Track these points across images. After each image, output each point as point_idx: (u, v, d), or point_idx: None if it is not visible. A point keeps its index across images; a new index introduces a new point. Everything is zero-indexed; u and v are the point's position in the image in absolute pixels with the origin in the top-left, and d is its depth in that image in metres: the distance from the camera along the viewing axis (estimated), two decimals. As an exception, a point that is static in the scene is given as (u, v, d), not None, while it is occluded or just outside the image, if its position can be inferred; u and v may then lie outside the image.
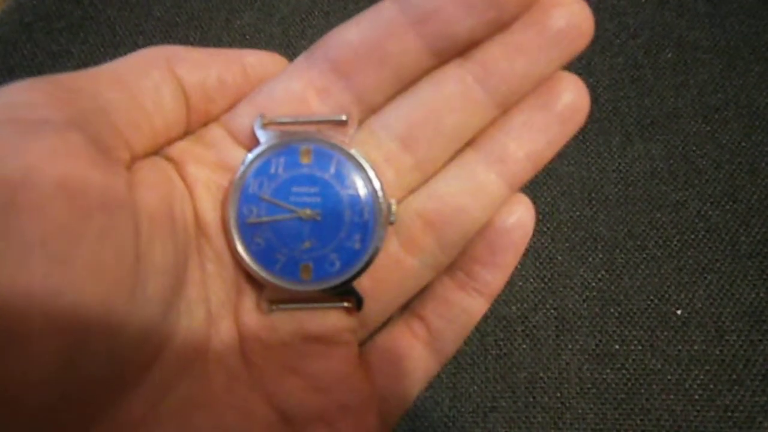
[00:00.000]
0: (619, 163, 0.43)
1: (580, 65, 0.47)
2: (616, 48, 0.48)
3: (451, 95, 0.22)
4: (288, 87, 0.22)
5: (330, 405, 0.22)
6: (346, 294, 0.22)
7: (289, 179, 0.22)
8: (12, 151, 0.16)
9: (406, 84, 0.22)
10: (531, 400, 0.36)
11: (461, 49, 0.22)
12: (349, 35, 0.22)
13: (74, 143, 0.17)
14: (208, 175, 0.22)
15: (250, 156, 0.22)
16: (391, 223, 0.22)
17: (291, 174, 0.22)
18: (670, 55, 0.47)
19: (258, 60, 0.23)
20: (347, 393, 0.23)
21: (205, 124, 0.22)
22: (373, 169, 0.22)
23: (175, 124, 0.21)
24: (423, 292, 0.25)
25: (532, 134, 0.23)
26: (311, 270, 0.22)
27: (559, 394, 0.36)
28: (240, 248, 0.22)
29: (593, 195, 0.42)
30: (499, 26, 0.21)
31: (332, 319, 0.23)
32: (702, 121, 0.44)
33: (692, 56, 0.47)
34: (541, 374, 0.37)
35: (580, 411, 0.36)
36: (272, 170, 0.22)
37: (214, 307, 0.22)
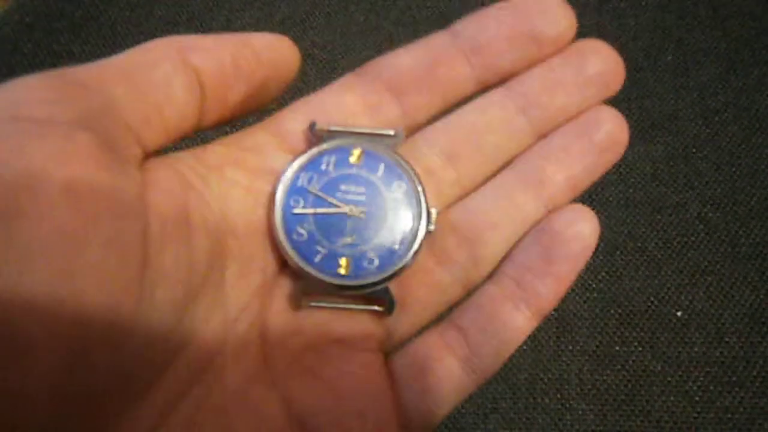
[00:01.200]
0: (620, 165, 0.43)
1: (581, 67, 0.47)
2: (617, 50, 0.48)
3: (494, 119, 0.24)
4: (339, 100, 0.23)
5: (348, 412, 0.21)
6: (379, 296, 0.23)
7: (338, 177, 0.23)
8: (17, 153, 0.15)
9: (449, 107, 0.24)
10: (531, 401, 0.36)
11: (504, 79, 0.24)
12: (403, 60, 0.23)
13: (81, 144, 0.16)
14: (248, 179, 0.22)
15: (303, 152, 0.23)
16: (430, 231, 0.23)
17: (340, 172, 0.23)
18: (670, 58, 0.47)
19: (268, 43, 0.22)
20: (367, 401, 0.22)
21: (222, 113, 0.22)
22: (418, 177, 0.23)
23: (189, 115, 0.21)
24: (465, 301, 0.23)
25: (569, 159, 0.23)
26: (350, 265, 0.22)
27: (559, 396, 0.36)
28: (282, 237, 0.22)
29: (594, 197, 0.42)
30: (538, 61, 0.24)
31: (361, 323, 0.23)
32: (702, 124, 0.45)
33: (692, 59, 0.47)
34: (542, 375, 0.37)
35: (580, 412, 0.36)
36: (323, 167, 0.23)
37: (233, 312, 0.21)
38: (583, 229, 0.23)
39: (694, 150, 0.44)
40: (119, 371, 0.17)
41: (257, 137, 0.23)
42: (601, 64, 0.24)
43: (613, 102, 0.45)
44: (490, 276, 0.24)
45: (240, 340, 0.21)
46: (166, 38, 0.21)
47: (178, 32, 0.48)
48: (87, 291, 0.16)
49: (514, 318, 0.23)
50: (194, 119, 0.21)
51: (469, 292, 0.24)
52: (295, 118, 0.23)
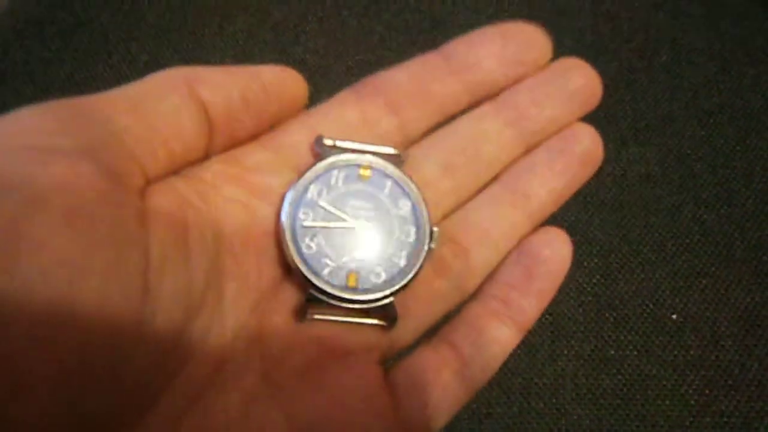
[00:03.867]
0: (614, 167, 0.43)
1: (575, 69, 0.47)
2: (611, 52, 0.48)
3: (486, 130, 0.25)
4: (339, 115, 0.24)
5: (351, 426, 0.22)
6: (384, 310, 0.23)
7: (347, 192, 0.24)
8: (20, 181, 0.16)
9: (444, 121, 0.25)
10: (526, 405, 0.36)
11: (493, 95, 0.25)
12: (399, 76, 0.25)
13: (84, 173, 0.17)
14: (246, 197, 0.22)
15: (312, 166, 0.23)
16: (431, 249, 0.23)
17: (349, 188, 0.24)
18: (664, 59, 0.47)
19: (276, 76, 0.23)
20: (370, 415, 0.22)
21: (230, 144, 0.22)
22: (422, 197, 0.24)
23: (196, 147, 0.21)
24: (454, 318, 0.24)
25: (553, 174, 0.25)
26: (357, 279, 0.23)
27: (554, 400, 0.36)
28: (291, 250, 0.22)
29: (588, 199, 0.42)
30: (521, 79, 0.25)
31: (362, 335, 0.23)
32: (697, 125, 0.44)
33: (687, 59, 0.47)
34: (537, 380, 0.36)
35: (575, 417, 0.35)
36: (332, 181, 0.23)
37: (231, 331, 0.21)
38: (560, 249, 0.25)
39: (688, 152, 0.43)
40: (118, 394, 0.17)
41: (256, 154, 0.23)
42: (582, 80, 0.26)
43: (607, 103, 0.45)
44: (476, 295, 0.25)
45: (240, 357, 0.21)
46: (174, 69, 0.21)
47: (170, 39, 0.48)
48: (87, 318, 0.16)
49: (502, 333, 0.24)
50: (201, 151, 0.21)
51: (464, 301, 0.25)
52: (294, 133, 0.24)
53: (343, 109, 0.24)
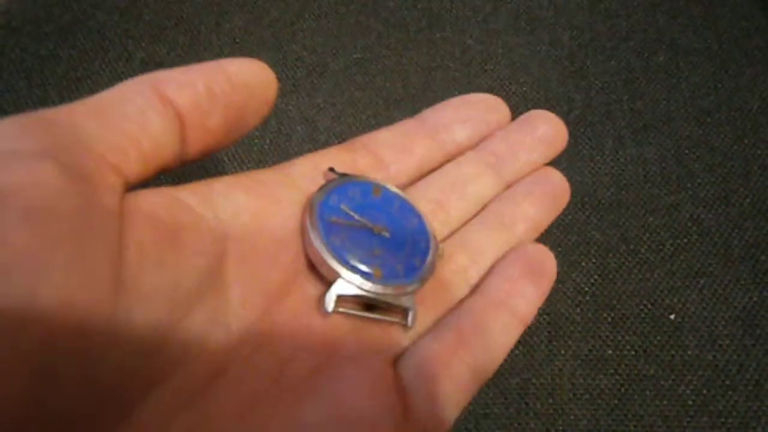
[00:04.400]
0: (612, 167, 0.43)
1: (573, 69, 0.47)
2: (609, 51, 0.48)
3: (470, 173, 0.28)
4: (334, 159, 0.26)
5: (359, 423, 0.21)
6: (404, 305, 0.24)
7: (363, 204, 0.25)
8: None
9: (427, 172, 0.28)
10: (524, 406, 0.36)
11: (463, 149, 0.29)
12: (382, 135, 0.28)
13: (44, 172, 0.17)
14: (256, 205, 0.23)
15: (330, 180, 0.25)
16: (440, 256, 0.25)
17: (364, 201, 0.25)
18: (662, 58, 0.47)
19: (239, 67, 0.23)
20: (380, 415, 0.22)
21: (205, 139, 0.22)
22: (426, 216, 0.26)
23: (169, 143, 0.21)
24: (456, 310, 0.25)
25: (532, 206, 0.28)
26: (381, 273, 0.24)
27: (551, 400, 0.36)
28: (319, 244, 0.23)
29: (586, 199, 0.42)
30: (487, 136, 0.29)
31: (374, 336, 0.23)
32: (694, 124, 0.44)
33: (684, 59, 0.47)
34: (534, 380, 0.36)
35: (573, 417, 0.35)
36: (350, 194, 0.25)
37: (237, 333, 0.21)
38: (549, 257, 0.27)
39: (686, 151, 0.43)
40: (93, 394, 0.17)
41: (268, 174, 0.24)
42: (548, 127, 0.29)
43: (605, 103, 0.45)
44: (478, 289, 0.26)
45: (246, 359, 0.21)
46: (138, 77, 0.22)
47: (166, 36, 0.48)
48: (51, 312, 0.16)
49: (507, 323, 0.25)
50: (175, 147, 0.21)
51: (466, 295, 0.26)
52: (302, 164, 0.26)
53: (336, 158, 0.27)
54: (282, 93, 0.46)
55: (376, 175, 0.27)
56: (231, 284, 0.21)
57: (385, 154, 0.28)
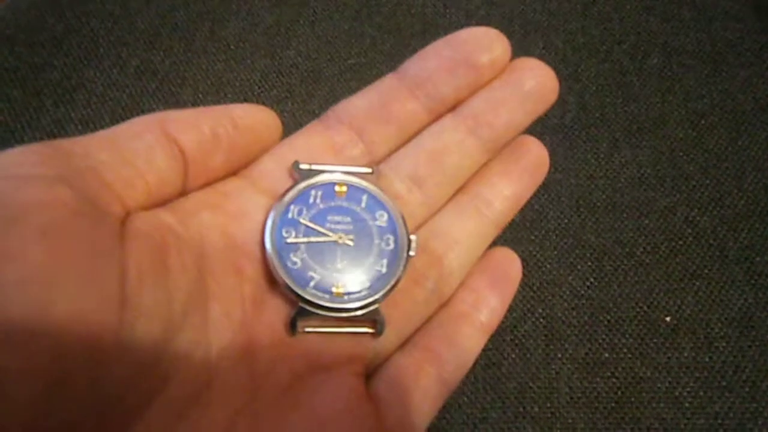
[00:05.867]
0: (607, 170, 0.43)
1: (567, 72, 0.47)
2: (602, 54, 0.48)
3: (449, 142, 0.26)
4: (308, 143, 0.26)
5: None
6: (371, 317, 0.24)
7: (326, 209, 0.25)
8: None
9: (407, 138, 0.27)
10: (521, 410, 0.36)
11: (451, 106, 0.27)
12: (359, 102, 0.26)
13: (59, 195, 0.18)
14: (224, 222, 0.23)
15: (291, 188, 0.25)
16: (411, 256, 0.25)
17: (327, 205, 0.25)
18: (655, 61, 0.47)
19: (245, 111, 0.24)
20: (355, 426, 0.23)
21: (207, 177, 0.24)
22: (396, 207, 0.25)
23: (172, 180, 0.22)
24: (424, 325, 0.26)
25: (510, 182, 0.27)
26: (343, 289, 0.24)
27: (549, 404, 0.36)
28: (277, 266, 0.23)
29: (581, 202, 0.42)
30: (479, 86, 0.27)
31: (348, 347, 0.24)
32: (688, 127, 0.45)
33: (678, 62, 0.47)
34: (531, 384, 0.36)
35: (570, 420, 0.35)
36: (311, 200, 0.25)
37: (216, 350, 0.22)
38: (515, 262, 0.27)
39: (680, 153, 0.44)
40: (98, 405, 0.18)
41: (232, 183, 0.25)
42: (536, 78, 0.27)
43: (599, 106, 0.45)
44: (446, 301, 0.26)
45: (227, 375, 0.22)
46: (149, 114, 0.23)
47: (161, 44, 0.48)
48: (64, 326, 0.16)
49: (472, 333, 0.25)
50: (178, 184, 0.23)
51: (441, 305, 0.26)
52: (266, 161, 0.25)
53: (311, 139, 0.26)
54: (276, 99, 0.46)
55: (353, 152, 0.26)
56: (210, 301, 0.22)
57: (362, 126, 0.26)
